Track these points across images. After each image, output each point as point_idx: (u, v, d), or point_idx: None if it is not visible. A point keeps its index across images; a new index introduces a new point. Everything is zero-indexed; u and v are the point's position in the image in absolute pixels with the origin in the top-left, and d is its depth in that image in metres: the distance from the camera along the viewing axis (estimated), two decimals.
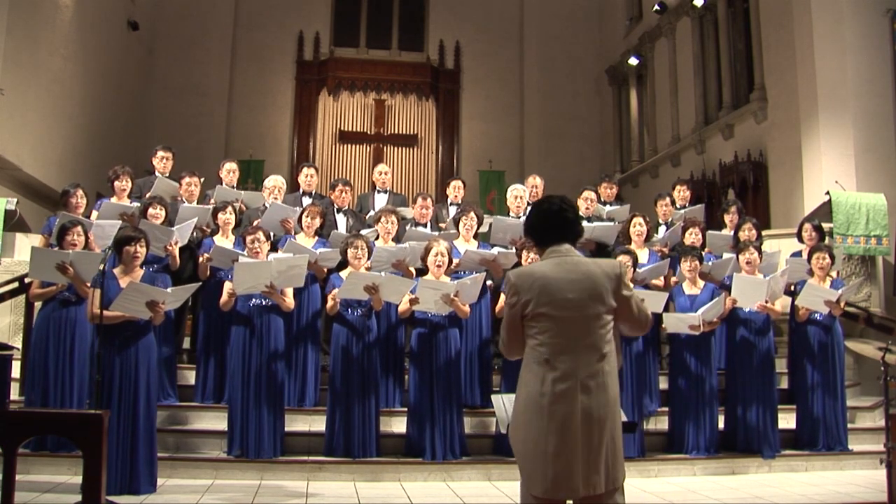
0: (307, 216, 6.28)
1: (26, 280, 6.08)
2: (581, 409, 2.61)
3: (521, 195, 7.01)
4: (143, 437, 4.72)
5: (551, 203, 2.90)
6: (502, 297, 5.77)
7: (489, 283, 6.14)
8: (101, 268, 4.49)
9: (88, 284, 5.15)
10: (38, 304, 5.71)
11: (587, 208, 7.17)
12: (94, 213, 6.42)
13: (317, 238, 6.33)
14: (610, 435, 2.65)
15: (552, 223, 2.84)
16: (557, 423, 2.61)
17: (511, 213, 6.95)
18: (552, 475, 2.59)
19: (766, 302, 5.91)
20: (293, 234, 6.41)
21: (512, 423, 2.78)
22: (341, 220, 6.95)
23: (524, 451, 2.69)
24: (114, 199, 6.52)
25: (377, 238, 6.32)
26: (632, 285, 2.92)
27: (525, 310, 2.72)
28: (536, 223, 2.89)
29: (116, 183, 6.52)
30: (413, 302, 5.50)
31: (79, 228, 5.37)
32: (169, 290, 4.84)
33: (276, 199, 6.81)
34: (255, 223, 6.40)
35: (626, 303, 2.78)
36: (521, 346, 2.80)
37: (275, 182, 6.99)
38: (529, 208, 2.98)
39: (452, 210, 7.13)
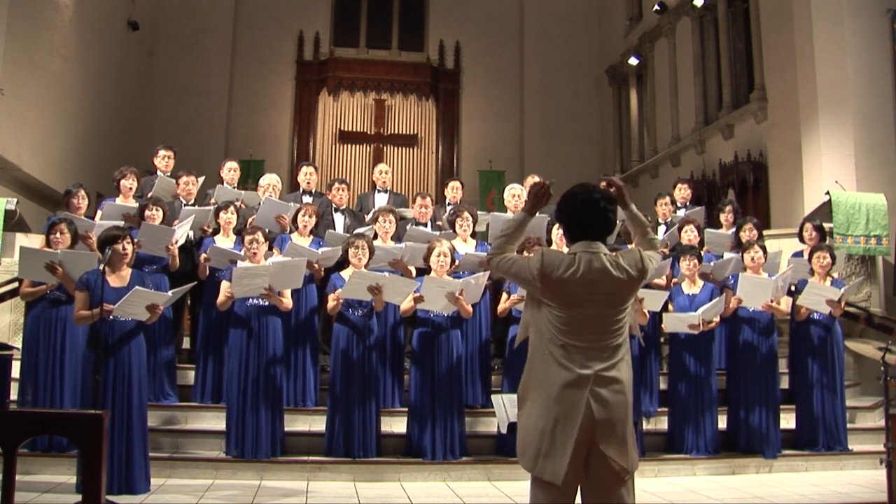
0: (303, 215, 6.28)
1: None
2: (589, 399, 2.60)
3: (519, 194, 7.01)
4: (138, 437, 4.73)
5: (591, 193, 2.72)
6: (504, 296, 5.85)
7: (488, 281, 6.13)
8: (101, 268, 4.49)
9: None
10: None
11: None
12: (99, 214, 6.40)
13: (312, 237, 6.32)
14: (621, 428, 2.64)
15: (589, 216, 2.70)
16: (564, 408, 2.60)
17: (509, 213, 6.95)
18: (543, 453, 2.59)
19: (772, 301, 5.92)
20: (288, 231, 6.41)
21: (518, 396, 2.77)
22: (339, 219, 6.95)
23: (525, 426, 2.69)
24: (118, 200, 6.51)
25: (375, 237, 6.31)
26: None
27: (542, 295, 2.68)
28: (576, 211, 2.72)
29: (123, 182, 6.49)
30: (417, 300, 5.48)
31: (63, 226, 5.33)
32: (170, 293, 4.85)
33: (271, 196, 6.81)
34: (250, 220, 6.40)
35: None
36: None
37: (269, 180, 7.00)
38: (565, 194, 2.77)
39: (449, 210, 7.12)
